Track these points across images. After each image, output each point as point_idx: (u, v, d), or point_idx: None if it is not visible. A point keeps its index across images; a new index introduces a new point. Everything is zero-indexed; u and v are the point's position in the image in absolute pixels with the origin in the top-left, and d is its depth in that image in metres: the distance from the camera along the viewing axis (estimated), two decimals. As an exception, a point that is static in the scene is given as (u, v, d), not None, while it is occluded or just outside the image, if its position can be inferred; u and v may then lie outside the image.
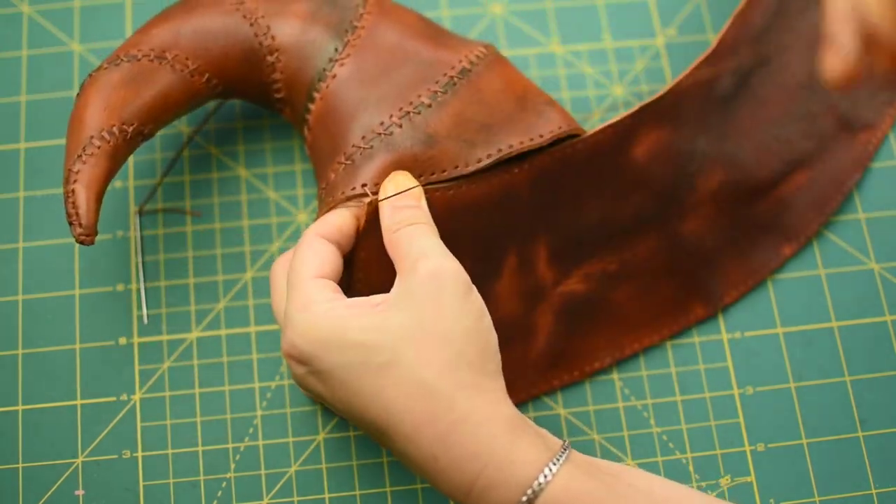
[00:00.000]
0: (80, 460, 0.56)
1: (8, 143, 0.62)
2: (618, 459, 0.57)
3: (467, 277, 0.49)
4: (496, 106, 0.55)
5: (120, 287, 0.59)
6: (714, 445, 0.58)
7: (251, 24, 0.56)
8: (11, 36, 0.64)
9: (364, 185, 0.53)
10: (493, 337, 0.49)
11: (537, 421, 0.58)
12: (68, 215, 0.52)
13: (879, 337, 0.60)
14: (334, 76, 0.55)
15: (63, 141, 0.62)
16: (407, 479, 0.57)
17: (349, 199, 0.53)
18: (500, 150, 0.54)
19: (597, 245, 0.58)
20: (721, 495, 0.57)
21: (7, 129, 0.62)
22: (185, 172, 0.62)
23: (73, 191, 0.52)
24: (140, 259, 0.60)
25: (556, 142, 0.56)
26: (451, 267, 0.48)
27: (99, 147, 0.53)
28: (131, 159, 0.62)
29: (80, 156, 0.53)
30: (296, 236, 0.61)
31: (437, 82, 0.55)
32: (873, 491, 0.57)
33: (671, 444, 0.58)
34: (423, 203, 0.52)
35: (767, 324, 0.60)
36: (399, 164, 0.53)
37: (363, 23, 0.56)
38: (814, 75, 0.63)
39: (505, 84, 0.56)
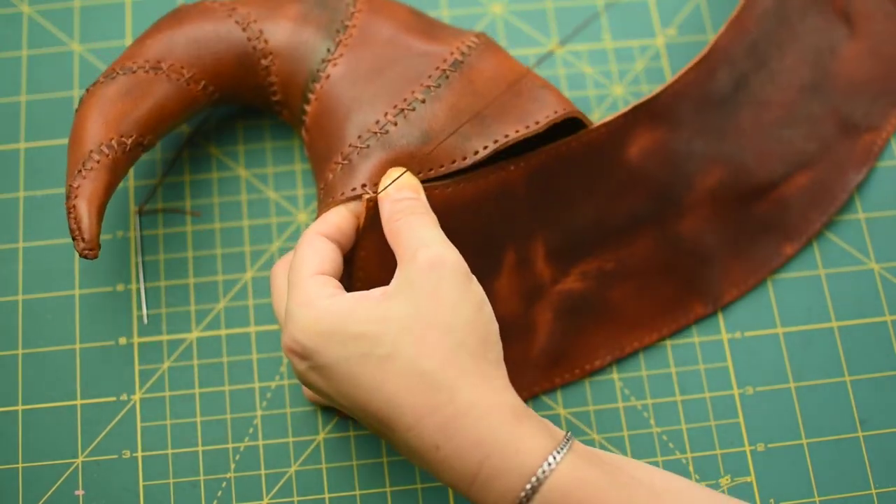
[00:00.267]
0: (80, 460, 0.56)
1: (8, 143, 0.62)
2: (618, 459, 0.57)
3: (467, 267, 0.49)
4: (490, 95, 0.55)
5: (120, 287, 0.59)
6: (714, 445, 0.58)
7: (244, 30, 0.56)
8: (11, 36, 0.64)
9: (364, 186, 0.53)
10: (494, 326, 0.49)
11: (537, 421, 0.58)
12: (71, 230, 0.52)
13: (879, 337, 0.60)
14: (328, 76, 0.55)
15: (63, 141, 0.62)
16: (407, 479, 0.57)
17: (348, 200, 0.53)
18: (495, 141, 0.54)
19: (593, 243, 0.58)
20: (721, 495, 0.57)
21: (7, 129, 0.62)
22: (185, 172, 0.62)
23: (74, 206, 0.53)
24: (140, 259, 0.60)
25: (554, 133, 0.56)
26: (450, 256, 0.49)
27: (98, 161, 0.53)
28: (131, 159, 0.62)
29: (80, 171, 0.53)
30: (296, 236, 0.61)
31: (429, 76, 0.55)
32: (873, 491, 0.57)
33: (671, 444, 0.58)
34: (423, 195, 0.52)
35: (767, 324, 0.60)
36: (396, 162, 0.53)
37: (354, 21, 0.56)
38: (816, 78, 0.63)
39: (497, 72, 0.56)
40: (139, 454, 0.57)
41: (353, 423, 0.58)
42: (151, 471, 0.56)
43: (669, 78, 0.65)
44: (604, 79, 0.65)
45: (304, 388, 0.57)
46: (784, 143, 0.62)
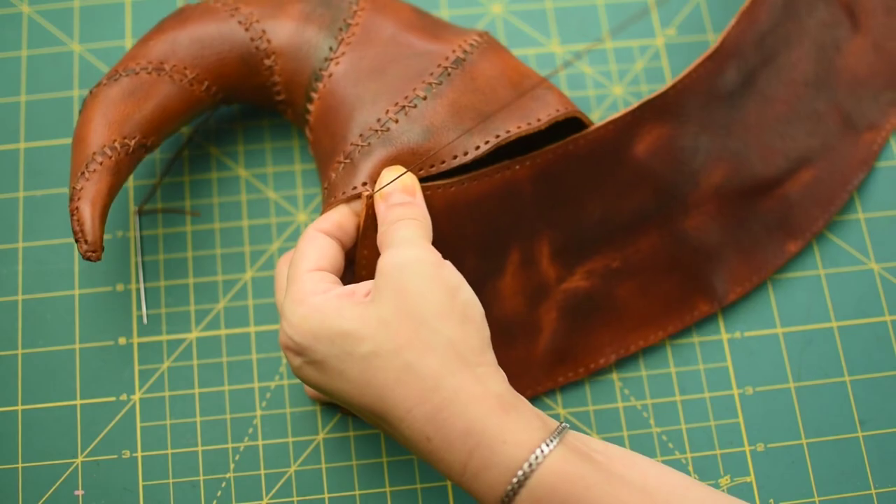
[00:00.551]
0: (79, 460, 0.56)
1: (8, 143, 0.62)
2: (617, 459, 0.57)
3: (434, 258, 0.49)
4: (491, 93, 0.55)
5: (120, 287, 0.59)
6: (714, 445, 0.58)
7: (246, 30, 0.56)
8: (11, 36, 0.64)
9: (364, 185, 0.53)
10: (475, 310, 0.49)
11: (537, 421, 0.58)
12: (74, 233, 0.53)
13: (879, 337, 0.60)
14: (330, 75, 0.55)
15: (63, 141, 0.62)
16: (407, 479, 0.57)
17: (350, 198, 0.53)
18: (496, 137, 0.54)
19: (599, 242, 0.58)
20: (721, 495, 0.57)
21: (7, 129, 0.62)
22: (184, 172, 0.62)
23: (77, 208, 0.53)
24: (140, 259, 0.60)
25: (556, 132, 0.56)
26: (411, 253, 0.49)
27: (101, 163, 0.53)
28: (131, 159, 0.62)
29: (83, 173, 0.53)
30: (295, 237, 0.61)
31: (431, 74, 0.55)
32: (873, 491, 0.57)
33: (671, 444, 0.58)
34: (418, 197, 0.52)
35: (767, 324, 0.60)
36: (398, 160, 0.53)
37: (357, 20, 0.56)
38: (820, 73, 0.63)
39: (500, 70, 0.56)
40: (139, 454, 0.57)
41: (353, 422, 0.58)
42: (151, 471, 0.56)
43: (669, 78, 0.65)
44: (604, 79, 0.65)
45: (306, 386, 0.57)
46: (788, 139, 0.61)
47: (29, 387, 0.57)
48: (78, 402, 0.57)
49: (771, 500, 0.57)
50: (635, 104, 0.57)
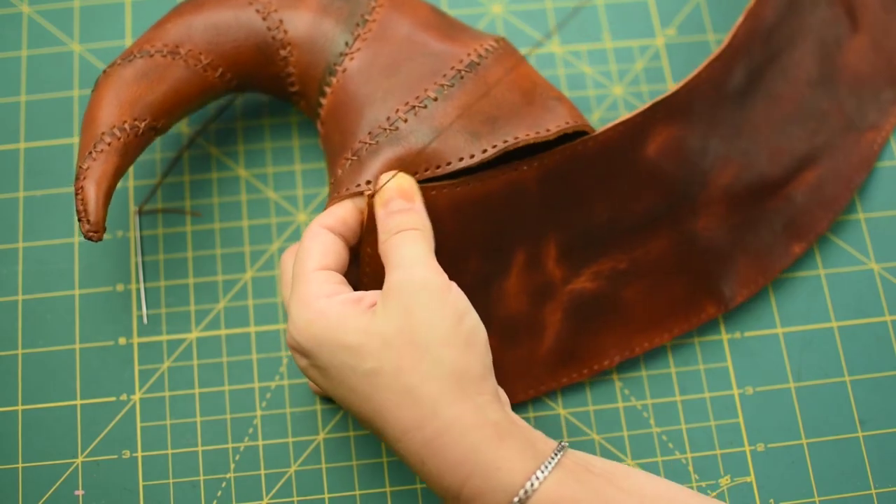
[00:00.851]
0: (79, 460, 0.56)
1: (8, 143, 0.62)
2: (618, 459, 0.57)
3: (441, 281, 0.48)
4: (502, 99, 0.54)
5: (120, 287, 0.59)
6: (714, 445, 0.58)
7: (264, 19, 0.56)
8: (11, 36, 0.64)
9: (368, 183, 0.53)
10: (479, 337, 0.49)
11: (537, 421, 0.58)
12: (77, 212, 0.52)
13: (879, 337, 0.60)
14: (344, 70, 0.55)
15: (63, 141, 0.62)
16: (407, 479, 0.57)
17: (353, 195, 0.53)
18: (505, 142, 0.53)
19: (607, 243, 0.58)
20: (721, 495, 0.57)
21: (7, 129, 0.62)
22: (184, 172, 0.62)
23: (82, 187, 0.52)
24: (140, 259, 0.60)
25: (564, 138, 0.56)
26: (419, 276, 0.48)
27: (109, 143, 0.53)
28: (131, 159, 0.62)
29: (90, 152, 0.53)
30: (296, 237, 0.61)
31: (444, 76, 0.54)
32: (873, 491, 0.57)
33: (671, 445, 0.58)
34: (418, 203, 0.52)
35: (767, 324, 0.60)
36: (404, 160, 0.53)
37: (375, 16, 0.56)
38: (823, 72, 0.63)
39: (513, 78, 0.55)
40: (139, 454, 0.57)
41: (353, 422, 0.58)
42: (151, 471, 0.56)
43: (669, 78, 0.65)
44: (604, 79, 0.65)
45: (309, 381, 0.57)
46: (794, 138, 0.61)
47: (29, 387, 0.57)
48: (78, 402, 0.57)
49: (771, 500, 0.57)
50: (646, 105, 0.56)
